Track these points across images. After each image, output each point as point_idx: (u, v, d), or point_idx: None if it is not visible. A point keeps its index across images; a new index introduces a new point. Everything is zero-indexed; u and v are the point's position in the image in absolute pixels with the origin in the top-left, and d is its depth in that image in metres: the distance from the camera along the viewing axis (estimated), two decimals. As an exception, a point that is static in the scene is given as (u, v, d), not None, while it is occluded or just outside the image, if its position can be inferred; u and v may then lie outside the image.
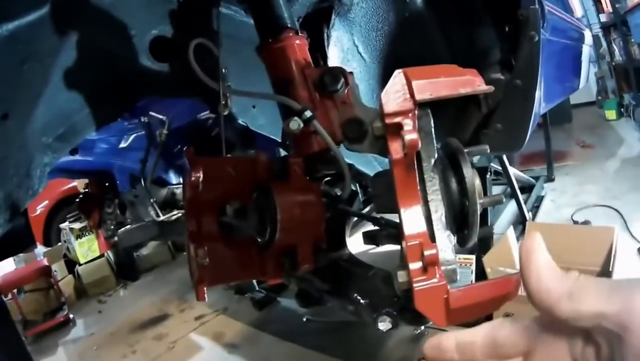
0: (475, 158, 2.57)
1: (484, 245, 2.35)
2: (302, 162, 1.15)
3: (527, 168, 4.46)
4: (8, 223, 1.18)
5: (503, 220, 3.35)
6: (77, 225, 6.01)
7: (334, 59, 1.75)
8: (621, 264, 2.13)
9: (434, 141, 0.96)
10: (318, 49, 1.71)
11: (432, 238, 0.90)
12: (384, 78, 1.89)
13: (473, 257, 2.25)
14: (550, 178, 4.28)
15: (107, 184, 3.48)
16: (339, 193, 1.21)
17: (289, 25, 1.23)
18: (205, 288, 1.11)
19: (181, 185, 2.98)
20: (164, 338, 2.88)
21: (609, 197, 3.65)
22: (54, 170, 1.44)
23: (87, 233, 6.01)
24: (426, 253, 0.84)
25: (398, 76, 0.93)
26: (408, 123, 0.89)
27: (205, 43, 1.28)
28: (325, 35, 1.72)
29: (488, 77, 1.74)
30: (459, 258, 2.34)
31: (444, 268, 0.88)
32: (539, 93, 1.77)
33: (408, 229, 0.89)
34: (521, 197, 3.21)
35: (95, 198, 3.48)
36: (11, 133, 1.16)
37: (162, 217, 2.56)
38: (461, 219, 0.96)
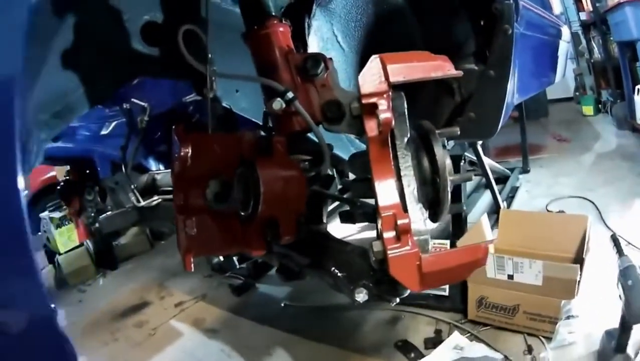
0: (450, 145, 2.63)
1: (458, 230, 2.41)
2: (285, 140, 1.22)
3: (502, 160, 4.42)
4: None
5: (478, 210, 3.36)
6: (56, 214, 5.95)
7: (313, 47, 1.80)
8: (595, 252, 2.14)
9: (407, 121, 1.04)
10: (299, 38, 1.76)
11: (405, 210, 0.97)
12: (361, 67, 1.94)
13: (447, 241, 2.31)
14: (525, 170, 4.25)
15: (87, 171, 3.48)
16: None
17: (273, 14, 1.29)
18: (192, 259, 1.18)
19: (161, 172, 3.00)
20: (145, 325, 2.89)
21: (584, 189, 3.64)
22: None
23: (66, 222, 5.93)
24: (399, 222, 0.91)
25: (374, 60, 1.01)
26: (383, 103, 0.97)
27: (194, 29, 1.33)
28: (305, 24, 1.77)
29: (462, 67, 1.80)
30: (434, 243, 2.41)
31: (416, 238, 0.95)
32: (511, 85, 1.84)
33: (382, 201, 0.96)
34: (496, 187, 3.21)
35: (75, 185, 3.47)
36: None
37: (142, 203, 2.58)
38: (433, 194, 1.04)
